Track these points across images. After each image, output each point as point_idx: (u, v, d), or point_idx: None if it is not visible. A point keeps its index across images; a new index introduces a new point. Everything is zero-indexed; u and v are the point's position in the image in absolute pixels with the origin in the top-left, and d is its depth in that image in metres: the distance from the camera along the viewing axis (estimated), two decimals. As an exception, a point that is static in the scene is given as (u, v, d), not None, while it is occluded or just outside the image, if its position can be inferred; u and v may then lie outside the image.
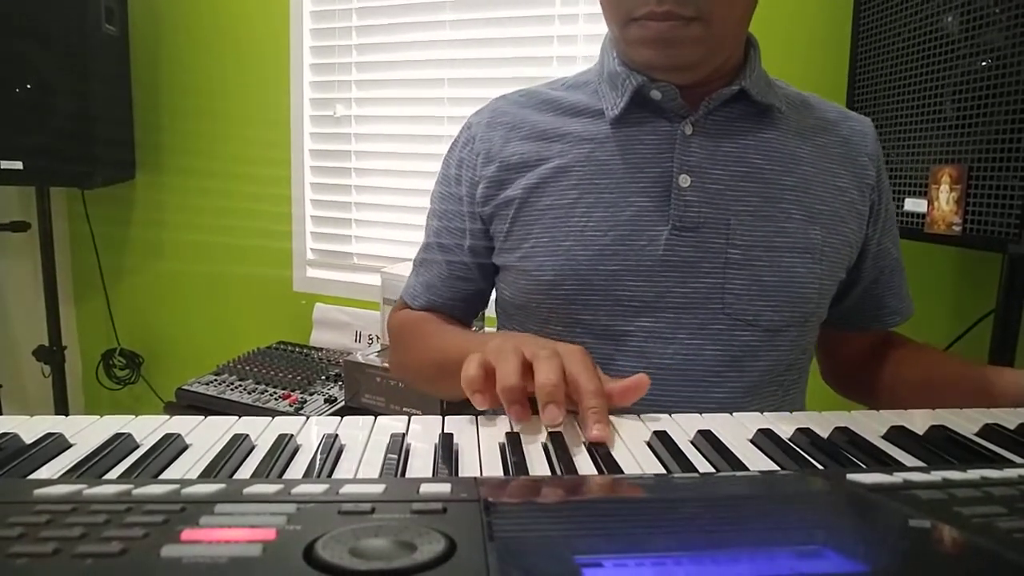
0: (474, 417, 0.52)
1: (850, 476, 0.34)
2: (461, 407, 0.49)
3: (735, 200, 0.67)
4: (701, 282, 0.67)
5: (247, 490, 0.30)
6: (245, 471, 0.42)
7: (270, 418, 0.50)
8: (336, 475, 0.42)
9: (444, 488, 0.31)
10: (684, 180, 0.66)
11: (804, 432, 0.48)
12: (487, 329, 1.40)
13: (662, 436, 0.47)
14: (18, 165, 1.65)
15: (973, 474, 0.34)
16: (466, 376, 0.53)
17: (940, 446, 0.47)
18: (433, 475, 0.42)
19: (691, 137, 0.67)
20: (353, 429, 0.49)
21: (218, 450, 0.44)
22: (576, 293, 0.68)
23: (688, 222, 0.66)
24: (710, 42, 0.63)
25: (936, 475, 0.34)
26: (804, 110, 0.73)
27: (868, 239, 0.74)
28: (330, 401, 1.39)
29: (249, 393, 1.42)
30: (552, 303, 0.70)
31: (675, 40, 0.62)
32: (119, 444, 0.44)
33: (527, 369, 0.52)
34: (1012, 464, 0.44)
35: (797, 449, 0.46)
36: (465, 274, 0.79)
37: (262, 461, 0.43)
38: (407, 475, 0.42)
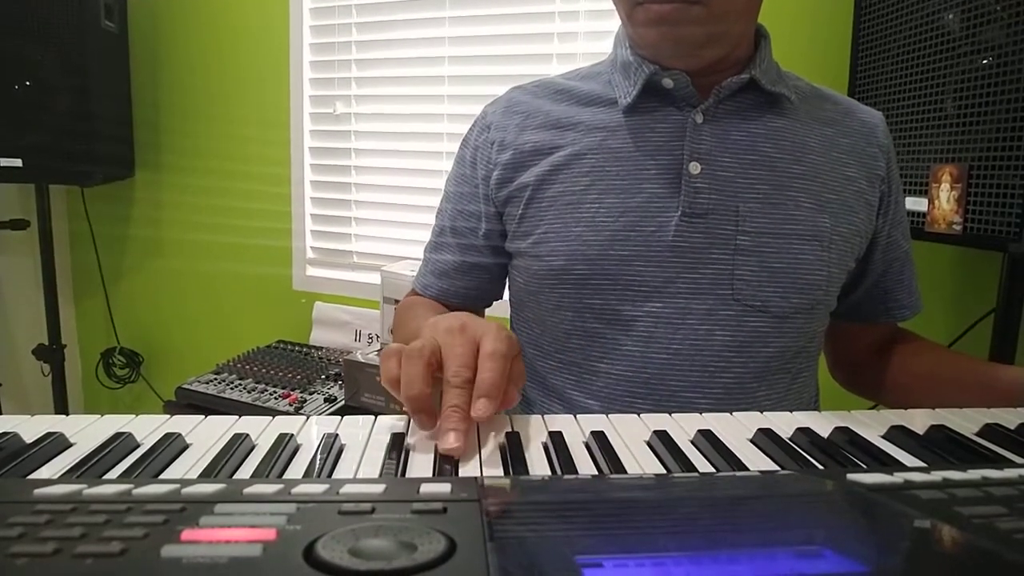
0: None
1: (850, 476, 0.34)
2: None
3: (744, 188, 0.68)
4: (710, 268, 0.67)
5: (247, 490, 0.30)
6: (245, 471, 0.42)
7: (270, 417, 0.50)
8: (336, 475, 0.42)
9: (444, 488, 0.31)
10: (694, 168, 0.67)
11: (804, 432, 0.48)
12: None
13: (662, 436, 0.47)
14: (17, 163, 1.64)
15: (973, 474, 0.34)
16: (385, 375, 0.50)
17: (940, 446, 0.47)
18: (433, 475, 0.42)
19: (702, 125, 0.68)
20: (353, 428, 0.49)
21: (218, 450, 0.44)
22: (586, 278, 0.69)
23: (698, 209, 0.67)
24: (712, 25, 0.64)
25: (936, 475, 0.34)
26: (815, 101, 0.74)
27: (878, 230, 0.75)
28: (330, 400, 1.39)
29: (249, 392, 1.42)
30: (563, 288, 0.70)
31: (677, 21, 0.63)
32: (119, 444, 0.44)
33: (439, 365, 0.49)
34: (1012, 464, 0.44)
35: (797, 449, 0.46)
36: (479, 261, 0.80)
37: (262, 461, 0.43)
38: (407, 475, 0.42)
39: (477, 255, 0.79)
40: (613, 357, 0.69)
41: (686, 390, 0.68)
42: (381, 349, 1.39)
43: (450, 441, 0.44)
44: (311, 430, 0.49)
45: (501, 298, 0.86)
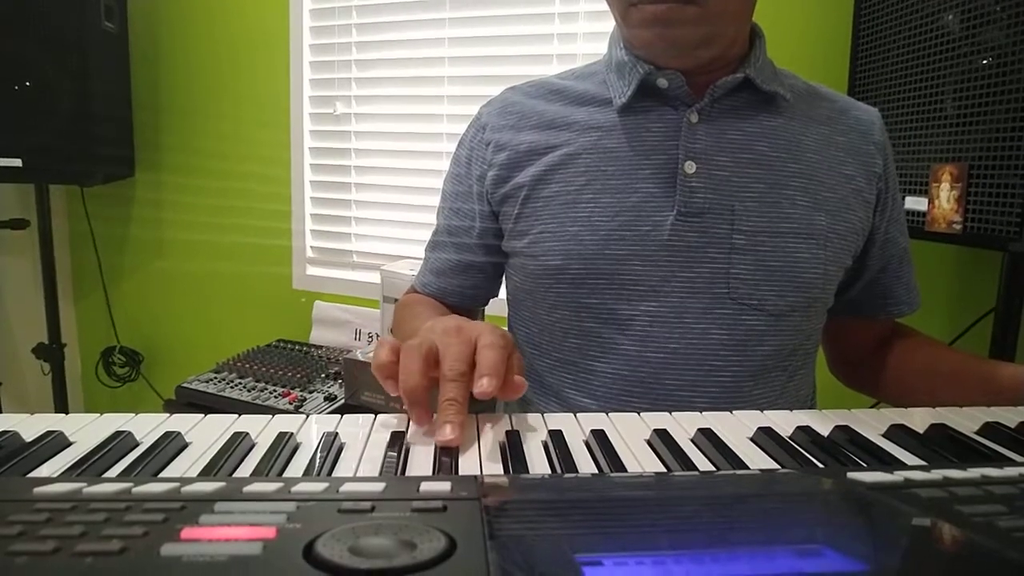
0: (474, 415, 0.52)
1: (850, 474, 0.34)
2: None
3: (740, 186, 0.68)
4: (706, 267, 0.67)
5: (247, 488, 0.30)
6: (245, 469, 0.42)
7: (270, 416, 0.50)
8: (336, 473, 0.42)
9: (444, 486, 0.31)
10: (689, 167, 0.67)
11: (804, 430, 0.48)
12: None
13: (662, 434, 0.47)
14: (17, 163, 1.64)
15: (973, 473, 0.34)
16: (376, 362, 0.52)
17: (940, 444, 0.47)
18: (433, 473, 0.42)
19: (697, 125, 0.68)
20: (353, 427, 0.49)
21: (218, 448, 0.44)
22: (582, 277, 0.69)
23: (693, 208, 0.67)
24: (707, 24, 0.64)
25: (936, 474, 0.34)
26: (811, 99, 0.74)
27: (875, 228, 0.75)
28: (330, 399, 1.39)
29: (248, 391, 1.42)
30: (559, 288, 0.70)
31: (672, 21, 0.63)
32: (119, 442, 0.44)
33: (435, 363, 0.51)
34: (1012, 463, 0.44)
35: (797, 447, 0.46)
36: (474, 260, 0.80)
37: (262, 459, 0.43)
38: (407, 473, 0.42)
39: (472, 254, 0.80)
40: (610, 356, 0.69)
41: (683, 389, 0.68)
42: (381, 348, 1.39)
43: (447, 433, 0.45)
44: (311, 429, 0.49)
45: (497, 296, 0.86)
